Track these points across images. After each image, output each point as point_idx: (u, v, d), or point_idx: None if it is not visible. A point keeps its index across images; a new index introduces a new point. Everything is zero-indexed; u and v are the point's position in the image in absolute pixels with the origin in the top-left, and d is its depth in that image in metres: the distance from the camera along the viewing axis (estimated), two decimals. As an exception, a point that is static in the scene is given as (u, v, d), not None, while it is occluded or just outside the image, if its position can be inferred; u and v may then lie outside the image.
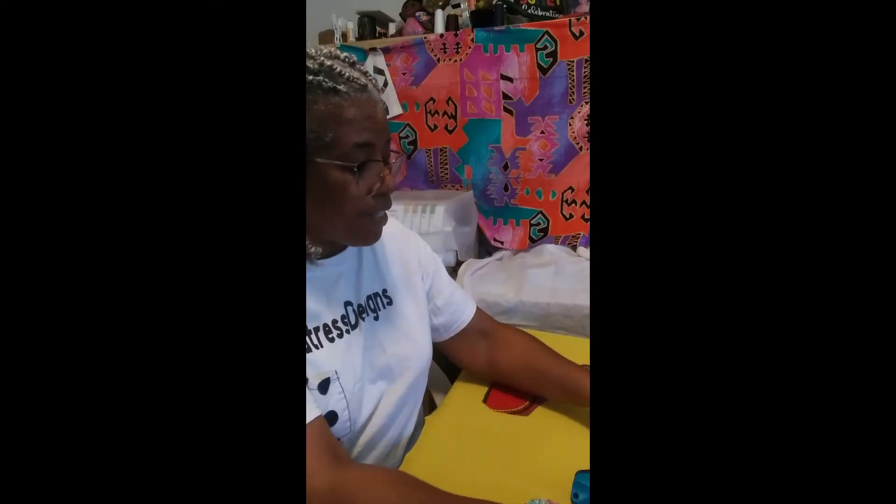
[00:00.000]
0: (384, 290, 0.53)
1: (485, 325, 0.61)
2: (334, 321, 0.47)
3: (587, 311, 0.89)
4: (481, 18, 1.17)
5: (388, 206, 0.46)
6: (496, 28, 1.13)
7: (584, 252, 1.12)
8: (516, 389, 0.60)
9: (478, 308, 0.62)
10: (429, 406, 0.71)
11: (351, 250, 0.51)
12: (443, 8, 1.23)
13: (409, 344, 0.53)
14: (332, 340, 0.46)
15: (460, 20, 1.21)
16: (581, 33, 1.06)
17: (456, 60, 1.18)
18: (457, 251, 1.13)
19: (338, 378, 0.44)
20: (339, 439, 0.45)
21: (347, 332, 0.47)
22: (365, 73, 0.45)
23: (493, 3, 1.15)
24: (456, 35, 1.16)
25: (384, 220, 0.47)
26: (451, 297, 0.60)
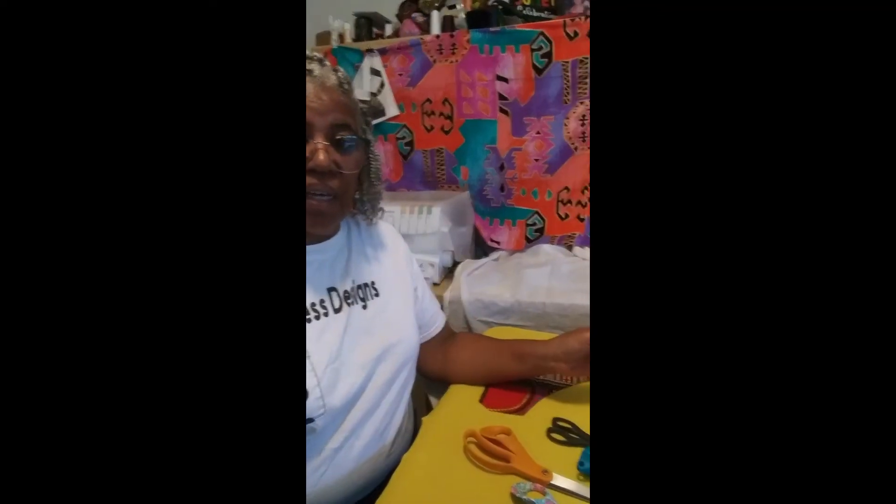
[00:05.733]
0: (373, 283, 0.57)
1: (446, 334, 0.67)
2: (312, 304, 0.50)
3: (583, 310, 0.90)
4: (477, 19, 1.17)
5: (327, 189, 0.47)
6: (492, 29, 1.14)
7: (580, 252, 1.13)
8: (513, 389, 0.61)
9: (446, 321, 0.68)
10: (426, 408, 0.72)
11: (335, 241, 0.55)
12: (439, 9, 1.23)
13: (396, 332, 0.56)
14: (308, 321, 0.49)
15: (456, 21, 1.21)
16: (576, 34, 1.06)
17: (452, 61, 1.18)
18: (453, 252, 1.14)
19: (308, 356, 0.46)
20: (312, 419, 0.47)
21: (325, 314, 0.50)
22: (335, 71, 0.49)
23: (489, 3, 1.15)
24: (452, 36, 1.17)
25: (321, 204, 0.48)
26: (429, 307, 0.65)
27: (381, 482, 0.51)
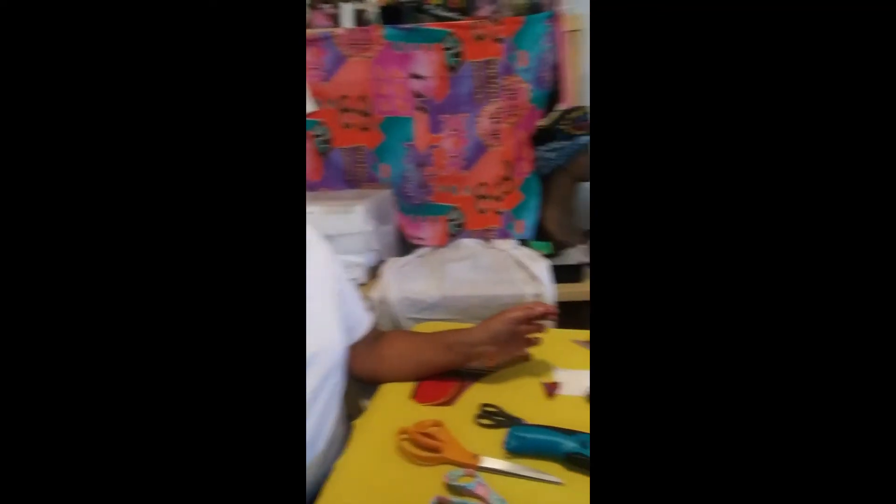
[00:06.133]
0: None
1: (375, 334, 0.68)
2: None
3: (504, 300, 0.96)
4: (390, 15, 1.16)
5: None
6: (405, 26, 1.14)
7: (499, 244, 1.19)
8: (442, 380, 0.63)
9: (374, 321, 0.69)
10: (358, 411, 0.71)
11: None
12: (348, 1, 1.20)
13: (320, 339, 0.55)
14: None
15: (367, 15, 1.19)
16: (483, 36, 1.11)
17: (366, 57, 1.16)
18: (378, 250, 1.13)
19: None
20: None
21: None
22: None
23: (400, 0, 1.15)
24: (365, 31, 1.15)
25: None
26: (354, 309, 0.65)
27: (315, 493, 0.50)
